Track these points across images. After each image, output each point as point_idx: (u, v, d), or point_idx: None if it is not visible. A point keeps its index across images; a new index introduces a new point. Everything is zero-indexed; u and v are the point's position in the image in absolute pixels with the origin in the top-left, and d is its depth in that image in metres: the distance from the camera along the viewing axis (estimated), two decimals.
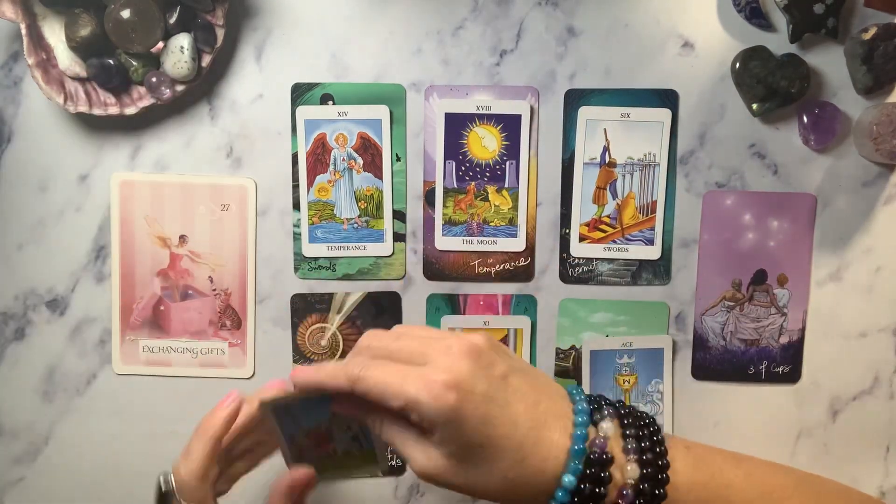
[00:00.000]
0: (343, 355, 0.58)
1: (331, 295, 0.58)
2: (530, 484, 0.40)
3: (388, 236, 0.57)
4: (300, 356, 0.58)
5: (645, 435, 0.41)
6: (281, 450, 0.46)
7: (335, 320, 0.58)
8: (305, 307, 0.58)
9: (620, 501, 0.40)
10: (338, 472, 0.48)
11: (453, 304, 0.58)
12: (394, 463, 0.58)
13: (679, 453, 0.42)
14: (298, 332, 0.58)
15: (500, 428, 0.39)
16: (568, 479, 0.39)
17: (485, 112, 0.56)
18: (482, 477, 0.40)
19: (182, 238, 0.57)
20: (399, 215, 0.57)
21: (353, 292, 0.58)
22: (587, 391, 0.58)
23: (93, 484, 0.59)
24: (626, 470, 0.40)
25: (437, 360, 0.40)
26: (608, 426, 0.41)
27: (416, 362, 0.40)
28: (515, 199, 0.57)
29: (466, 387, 0.39)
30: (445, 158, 0.57)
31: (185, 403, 0.59)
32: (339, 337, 0.59)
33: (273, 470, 0.51)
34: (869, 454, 0.58)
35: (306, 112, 0.56)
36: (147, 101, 0.54)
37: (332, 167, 0.57)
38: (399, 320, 0.58)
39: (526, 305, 0.58)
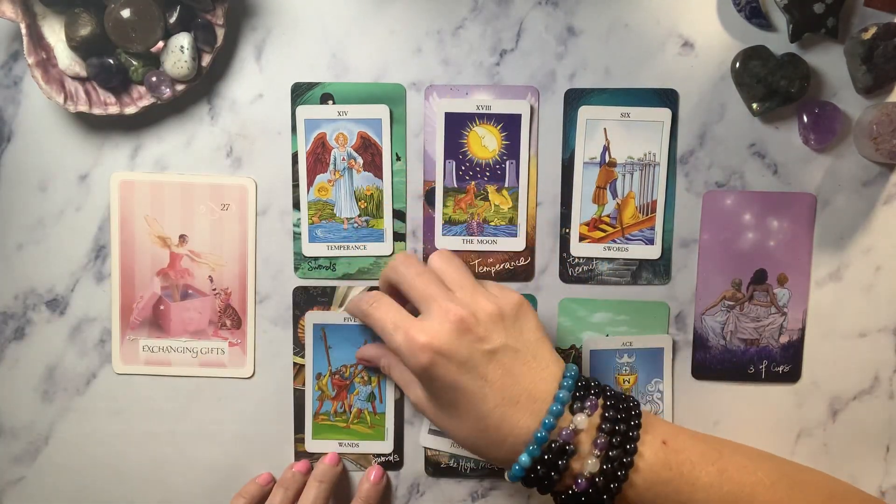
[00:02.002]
0: None
1: (333, 288, 0.58)
2: (491, 451, 0.45)
3: (388, 236, 0.57)
4: (301, 350, 0.58)
5: (620, 430, 0.43)
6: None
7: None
8: (307, 300, 0.58)
9: (574, 487, 0.43)
10: None
11: None
12: (392, 458, 0.59)
13: (651, 448, 0.44)
14: (300, 326, 0.58)
15: (468, 396, 0.43)
16: (524, 458, 0.43)
17: (485, 112, 0.56)
18: (453, 426, 0.45)
19: (182, 238, 0.57)
20: (399, 215, 0.57)
21: (355, 286, 0.58)
22: None
23: (93, 484, 0.59)
24: (587, 463, 0.43)
25: (430, 318, 0.44)
26: (581, 419, 0.43)
27: (425, 301, 0.46)
28: (515, 199, 0.57)
29: (443, 352, 0.43)
30: (445, 158, 0.57)
31: (185, 403, 0.59)
32: None
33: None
34: (869, 454, 0.58)
35: (306, 112, 0.56)
36: (147, 101, 0.54)
37: (332, 167, 0.57)
38: None
39: None
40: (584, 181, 0.57)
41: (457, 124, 0.56)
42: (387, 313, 0.47)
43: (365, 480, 0.57)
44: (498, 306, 0.45)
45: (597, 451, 0.42)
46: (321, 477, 0.56)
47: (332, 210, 0.57)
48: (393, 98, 0.56)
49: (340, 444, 0.58)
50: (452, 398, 0.44)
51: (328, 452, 0.58)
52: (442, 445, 0.57)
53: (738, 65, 0.55)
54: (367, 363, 0.56)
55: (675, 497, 0.43)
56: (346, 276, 0.58)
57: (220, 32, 0.54)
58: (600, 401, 0.44)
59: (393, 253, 0.57)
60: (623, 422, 0.43)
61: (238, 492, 0.56)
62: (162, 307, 0.58)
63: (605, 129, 0.56)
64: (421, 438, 0.58)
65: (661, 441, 0.44)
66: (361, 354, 0.56)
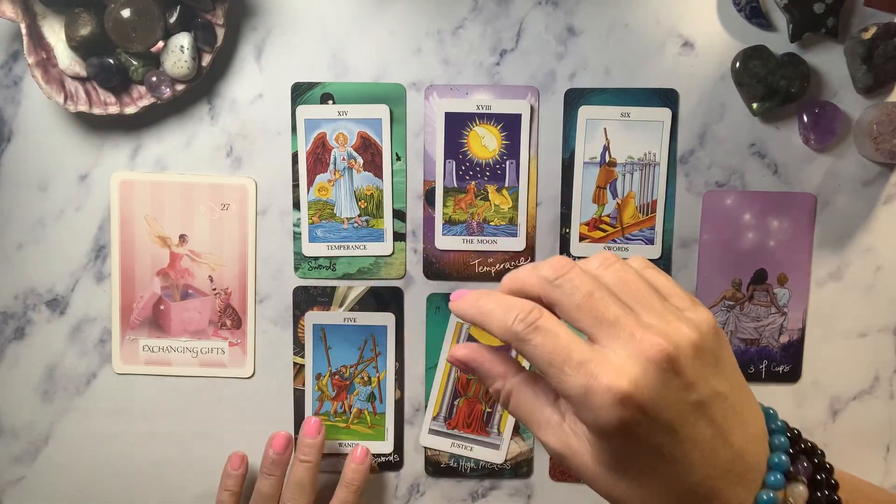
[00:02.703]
0: None
1: (333, 288, 0.58)
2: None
3: (389, 236, 0.57)
4: (301, 350, 0.58)
5: (827, 497, 0.34)
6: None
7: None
8: (307, 300, 0.58)
9: None
10: None
11: None
12: (392, 458, 0.58)
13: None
14: (300, 326, 0.58)
15: (668, 464, 0.31)
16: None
17: (485, 111, 0.56)
18: (634, 497, 0.32)
19: (182, 237, 0.57)
20: (399, 215, 0.57)
21: (355, 286, 0.58)
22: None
23: (93, 484, 0.59)
24: (797, 491, 0.33)
25: (621, 349, 0.31)
26: (801, 491, 0.33)
27: (602, 327, 0.32)
28: (515, 199, 0.57)
29: (646, 409, 0.30)
30: (445, 158, 0.57)
31: (185, 403, 0.59)
32: None
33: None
34: (869, 454, 0.58)
35: (306, 111, 0.56)
36: (147, 101, 0.54)
37: (332, 166, 0.57)
38: (401, 315, 0.58)
39: None
40: (584, 181, 0.57)
41: (457, 124, 0.56)
42: (559, 341, 0.31)
43: (350, 461, 0.56)
44: (699, 333, 0.32)
45: None
46: (304, 455, 0.54)
47: (332, 210, 0.57)
48: (393, 98, 0.56)
49: (340, 445, 0.58)
50: (644, 466, 0.32)
51: (308, 422, 0.55)
52: (442, 445, 0.57)
53: (738, 65, 0.55)
54: (466, 369, 0.37)
55: None
56: (346, 276, 0.58)
57: (220, 32, 0.54)
58: (804, 465, 0.35)
59: (393, 253, 0.57)
60: (828, 486, 0.34)
61: (219, 487, 0.55)
62: (162, 307, 0.58)
63: (605, 128, 0.56)
64: (421, 438, 0.58)
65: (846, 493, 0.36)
66: (460, 357, 0.36)
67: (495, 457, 0.53)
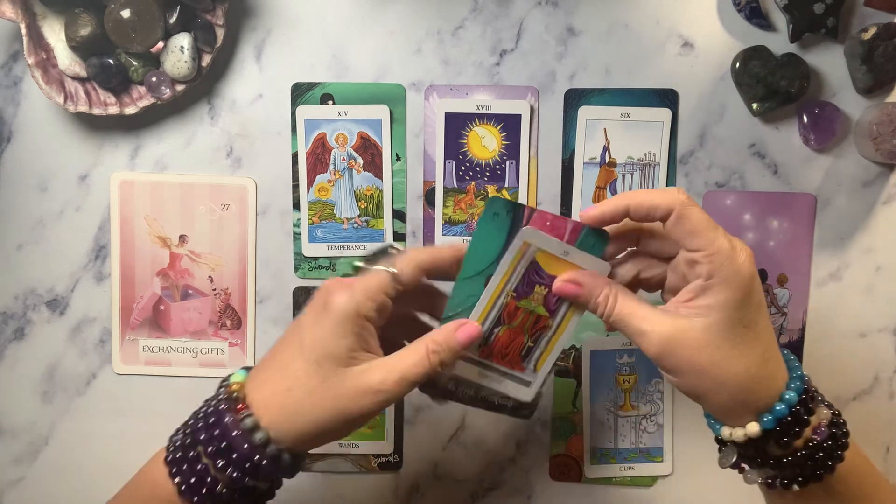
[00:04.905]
0: None
1: None
2: (760, 387, 0.41)
3: (388, 236, 0.57)
4: None
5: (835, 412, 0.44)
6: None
7: None
8: (307, 300, 0.58)
9: (815, 436, 0.42)
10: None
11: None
12: (392, 458, 0.58)
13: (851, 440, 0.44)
14: None
15: (763, 323, 0.41)
16: (790, 394, 0.41)
17: (485, 112, 0.56)
18: (729, 360, 0.40)
19: (182, 238, 0.57)
20: (399, 215, 0.57)
21: None
22: (587, 391, 0.59)
23: (93, 484, 0.59)
24: (823, 413, 0.43)
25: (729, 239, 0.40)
26: (826, 413, 0.43)
27: (717, 227, 0.41)
28: (516, 199, 0.57)
29: (756, 279, 0.40)
30: (445, 158, 0.57)
31: (185, 403, 0.59)
32: None
33: None
34: (869, 454, 0.58)
35: (306, 112, 0.56)
36: (147, 101, 0.54)
37: (332, 167, 0.57)
38: None
39: (594, 242, 0.45)
40: (584, 181, 0.57)
41: (457, 124, 0.56)
42: (704, 214, 0.40)
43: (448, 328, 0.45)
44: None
45: (826, 410, 0.43)
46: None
47: (332, 210, 0.57)
48: (393, 98, 0.56)
49: (340, 445, 0.58)
50: (752, 321, 0.40)
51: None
52: (469, 373, 0.47)
53: (738, 65, 0.55)
54: (573, 293, 0.43)
55: (869, 479, 0.45)
56: (346, 277, 0.58)
57: (220, 32, 0.54)
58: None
59: None
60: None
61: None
62: (162, 307, 0.58)
63: (605, 129, 0.56)
64: None
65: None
66: (567, 280, 0.43)
67: (524, 394, 0.48)
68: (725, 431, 0.43)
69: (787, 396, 0.41)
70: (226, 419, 0.41)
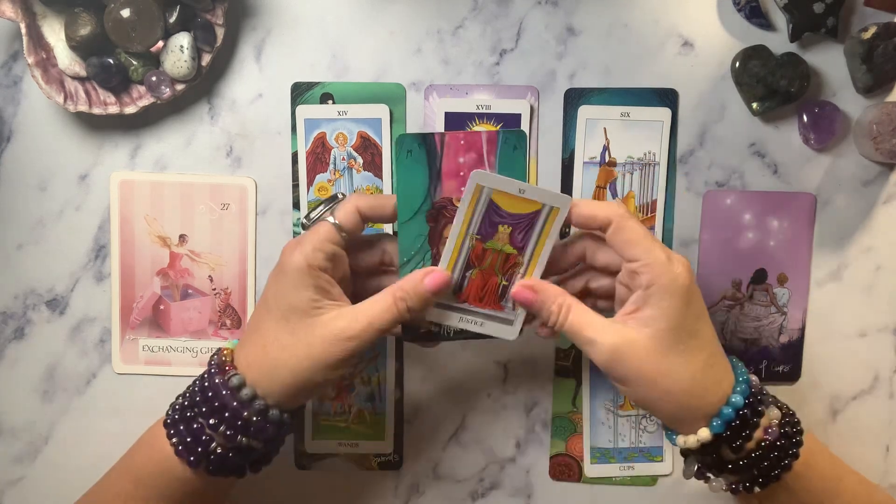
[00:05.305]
0: None
1: None
2: (707, 393, 0.43)
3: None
4: None
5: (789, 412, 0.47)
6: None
7: None
8: None
9: (767, 437, 0.43)
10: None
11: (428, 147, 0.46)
12: (392, 458, 0.58)
13: (808, 436, 0.46)
14: None
15: (706, 331, 0.43)
16: (736, 398, 0.43)
17: (484, 111, 0.56)
18: (674, 368, 0.42)
19: (182, 237, 0.57)
20: None
21: None
22: (587, 391, 0.59)
23: (92, 484, 0.59)
24: (772, 413, 0.44)
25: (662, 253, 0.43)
26: (776, 413, 0.45)
27: (656, 241, 0.44)
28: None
29: (695, 285, 0.43)
30: None
31: None
32: None
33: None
34: (869, 454, 0.58)
35: (306, 111, 0.56)
36: (147, 101, 0.54)
37: (331, 166, 0.57)
38: None
39: (515, 143, 0.46)
40: (584, 181, 0.57)
41: (456, 124, 0.56)
42: (642, 229, 0.44)
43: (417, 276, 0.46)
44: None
45: (776, 410, 0.45)
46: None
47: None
48: (393, 98, 0.56)
49: (340, 444, 0.58)
50: (694, 329, 0.43)
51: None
52: (450, 320, 0.47)
53: (738, 64, 0.55)
54: (529, 300, 0.45)
55: (831, 473, 0.46)
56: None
57: (220, 32, 0.54)
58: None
59: None
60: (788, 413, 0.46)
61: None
62: (162, 307, 0.58)
63: (605, 128, 0.56)
64: (426, 313, 0.47)
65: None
66: (525, 286, 0.45)
67: (508, 332, 0.48)
68: (680, 440, 0.44)
69: (733, 400, 0.42)
70: (216, 380, 0.44)
